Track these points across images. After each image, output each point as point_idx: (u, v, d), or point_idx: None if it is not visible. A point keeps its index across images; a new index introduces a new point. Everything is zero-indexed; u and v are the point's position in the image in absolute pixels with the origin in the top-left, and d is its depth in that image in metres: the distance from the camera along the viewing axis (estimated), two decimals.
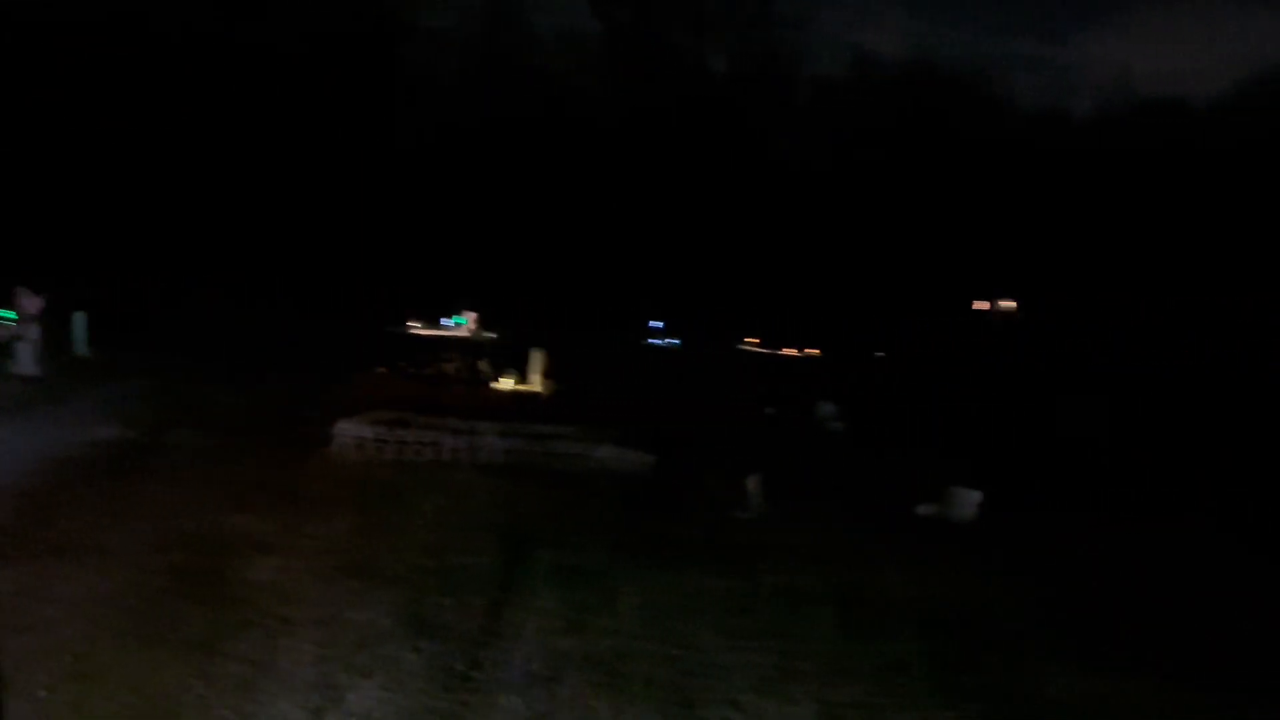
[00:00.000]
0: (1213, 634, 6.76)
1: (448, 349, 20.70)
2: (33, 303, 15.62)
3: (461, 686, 5.02)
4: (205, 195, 33.89)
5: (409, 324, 35.47)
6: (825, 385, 19.71)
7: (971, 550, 8.73)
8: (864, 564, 7.87)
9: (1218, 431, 17.77)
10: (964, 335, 39.57)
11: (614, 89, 43.70)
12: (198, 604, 5.80)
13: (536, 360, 17.37)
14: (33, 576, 6.06)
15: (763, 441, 13.49)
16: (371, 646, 5.39)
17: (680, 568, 7.30)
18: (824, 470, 12.02)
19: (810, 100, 47.93)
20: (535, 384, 17.00)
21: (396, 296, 35.70)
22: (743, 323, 41.98)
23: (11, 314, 15.77)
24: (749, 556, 7.78)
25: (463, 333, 32.84)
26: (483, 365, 18.28)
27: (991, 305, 42.66)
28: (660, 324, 42.66)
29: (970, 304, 42.44)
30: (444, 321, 36.30)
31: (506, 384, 16.95)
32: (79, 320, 18.08)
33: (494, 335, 30.05)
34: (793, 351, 39.69)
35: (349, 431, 10.91)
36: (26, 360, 14.99)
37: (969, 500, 9.87)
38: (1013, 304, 42.12)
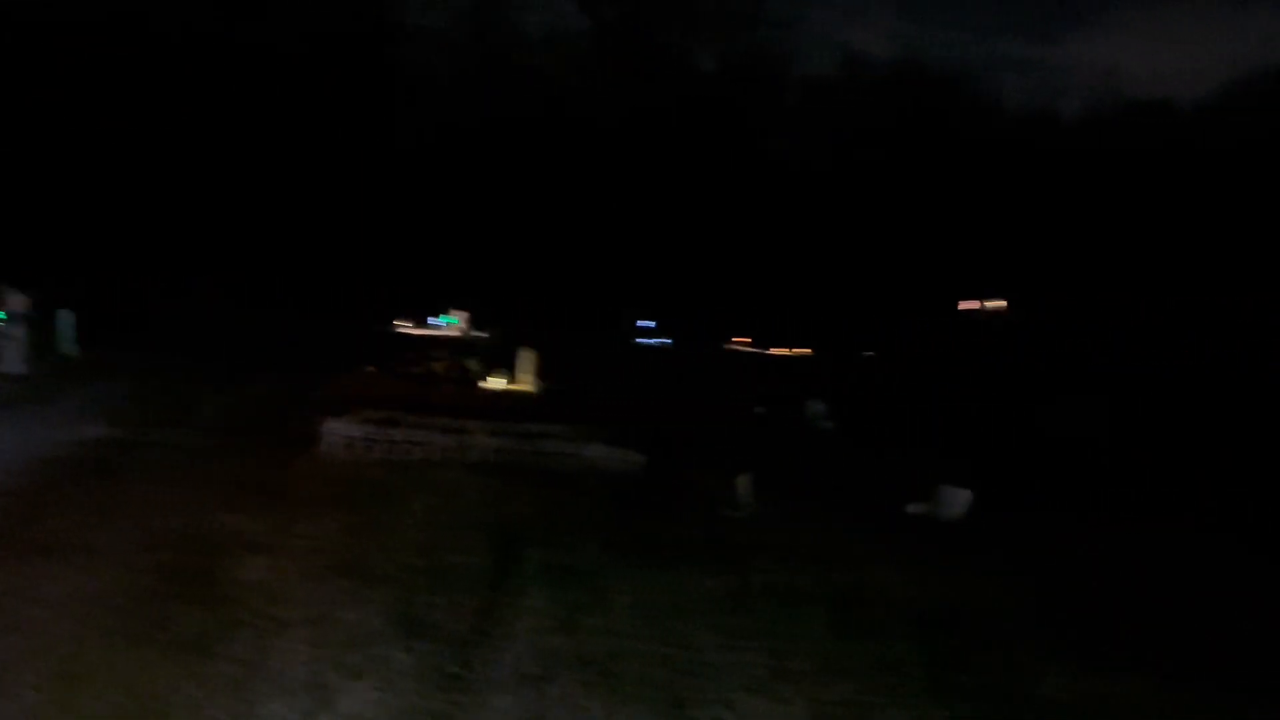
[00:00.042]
0: (1211, 634, 6.75)
1: (437, 348, 20.66)
2: (18, 301, 15.52)
3: (453, 686, 4.99)
4: (195, 195, 33.75)
5: (398, 323, 35.41)
6: (815, 384, 19.74)
7: (963, 549, 8.74)
8: (855, 563, 7.87)
9: (1209, 431, 17.85)
10: (953, 334, 39.69)
11: (603, 87, 43.67)
12: (187, 604, 5.76)
13: (526, 359, 17.34)
14: (19, 576, 6.01)
15: (753, 440, 13.50)
16: (362, 646, 5.36)
17: (672, 567, 7.29)
18: (814, 469, 12.04)
19: (800, 100, 48.00)
20: (525, 383, 16.97)
21: (386, 295, 35.63)
22: (733, 322, 42.03)
23: (2, 314, 15.67)
24: (740, 555, 7.78)
25: (453, 332, 32.78)
26: (472, 364, 18.23)
27: (980, 305, 42.78)
28: (651, 323, 42.69)
29: (958, 303, 42.56)
30: (433, 320, 36.25)
31: (496, 383, 16.91)
32: (64, 319, 17.97)
33: (484, 334, 30.01)
34: (783, 351, 39.75)
35: (338, 431, 10.87)
36: (12, 359, 14.90)
37: (959, 499, 9.88)
38: (1002, 303, 42.25)
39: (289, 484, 9.15)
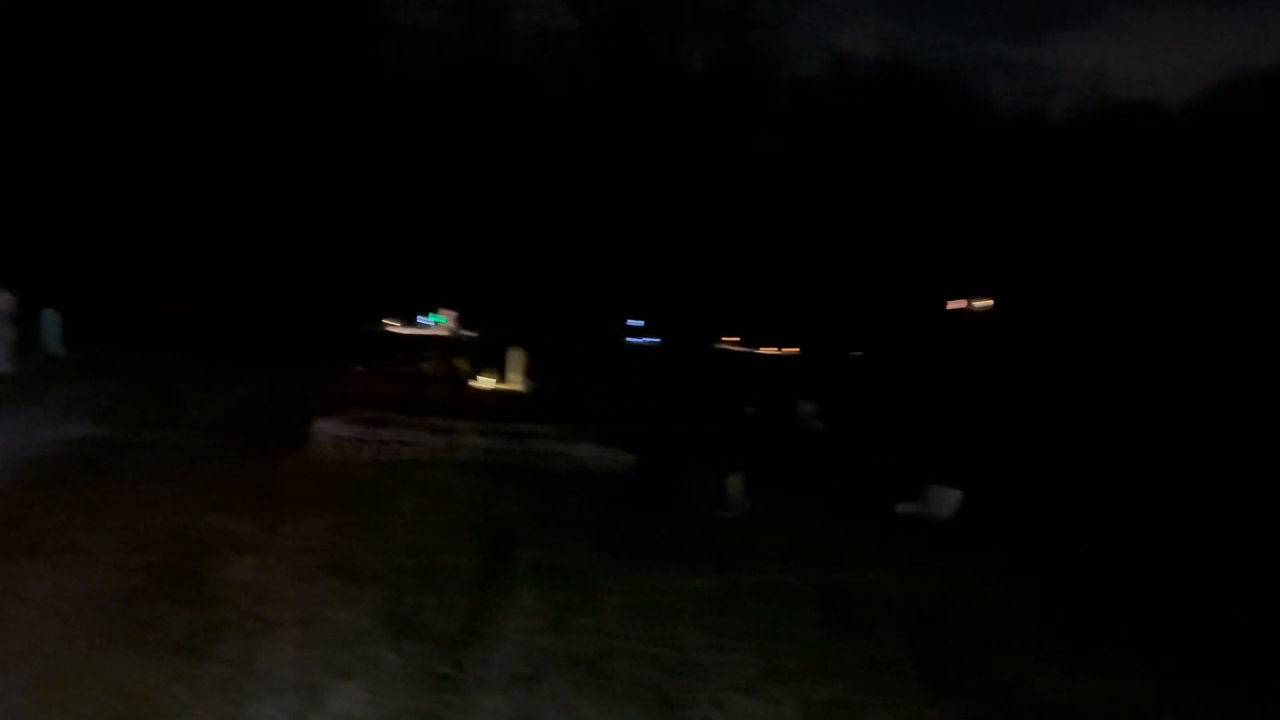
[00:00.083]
0: (1209, 634, 6.78)
1: (426, 347, 20.60)
2: (4, 300, 15.41)
3: (443, 686, 4.99)
4: (183, 193, 33.60)
5: (386, 322, 35.29)
6: (805, 384, 19.77)
7: (953, 549, 8.77)
8: (846, 562, 7.89)
9: (1201, 430, 17.90)
10: (942, 334, 39.80)
11: (592, 87, 43.65)
12: (176, 604, 5.74)
13: (516, 359, 17.31)
14: (6, 577, 5.97)
15: (743, 440, 13.50)
16: (352, 646, 5.35)
17: (662, 567, 7.29)
18: (804, 469, 12.05)
19: (788, 100, 48.06)
20: (514, 382, 16.94)
21: (375, 294, 35.53)
22: (722, 321, 42.05)
23: None
24: (730, 555, 7.78)
25: (441, 331, 32.69)
26: (461, 364, 18.19)
27: (968, 304, 42.91)
28: (640, 322, 42.67)
29: (946, 303, 42.69)
30: (421, 319, 36.14)
31: (486, 382, 16.87)
32: (50, 317, 17.84)
33: (473, 333, 29.93)
34: (772, 350, 39.78)
35: (327, 430, 10.83)
36: None
37: (949, 499, 9.92)
38: (989, 302, 42.37)
39: (278, 484, 9.11)
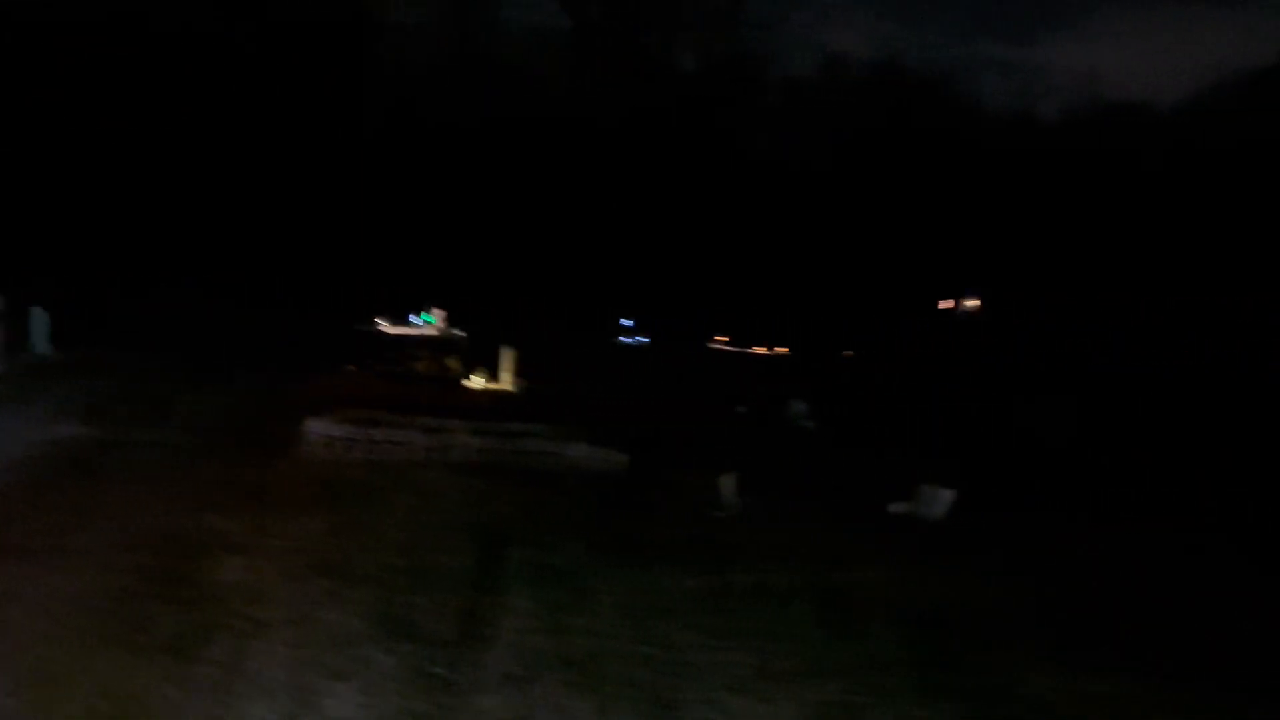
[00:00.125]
0: (1208, 633, 6.78)
1: (417, 347, 20.54)
2: None
3: (436, 687, 4.96)
4: (172, 193, 33.46)
5: (377, 321, 35.19)
6: (796, 383, 19.78)
7: (946, 548, 8.77)
8: (839, 562, 7.88)
9: (1200, 430, 17.95)
10: (932, 333, 39.88)
11: (584, 86, 43.62)
12: (166, 605, 5.70)
13: (507, 358, 17.28)
14: None
15: (736, 440, 13.50)
16: (344, 647, 5.32)
17: (655, 567, 7.27)
18: (797, 468, 12.04)
19: (780, 100, 48.10)
20: (506, 382, 16.91)
21: (366, 294, 35.43)
22: (712, 321, 42.03)
23: None
24: (724, 555, 7.77)
25: (432, 330, 32.60)
26: (453, 363, 18.15)
27: (956, 304, 42.97)
28: (630, 322, 42.63)
29: (936, 303, 42.74)
30: (412, 319, 36.03)
31: (477, 382, 16.84)
32: (38, 317, 17.75)
33: (464, 333, 29.87)
34: (762, 350, 39.78)
35: (319, 430, 10.78)
36: None
37: (941, 499, 9.92)
38: (976, 302, 42.45)
39: (269, 484, 9.06)
